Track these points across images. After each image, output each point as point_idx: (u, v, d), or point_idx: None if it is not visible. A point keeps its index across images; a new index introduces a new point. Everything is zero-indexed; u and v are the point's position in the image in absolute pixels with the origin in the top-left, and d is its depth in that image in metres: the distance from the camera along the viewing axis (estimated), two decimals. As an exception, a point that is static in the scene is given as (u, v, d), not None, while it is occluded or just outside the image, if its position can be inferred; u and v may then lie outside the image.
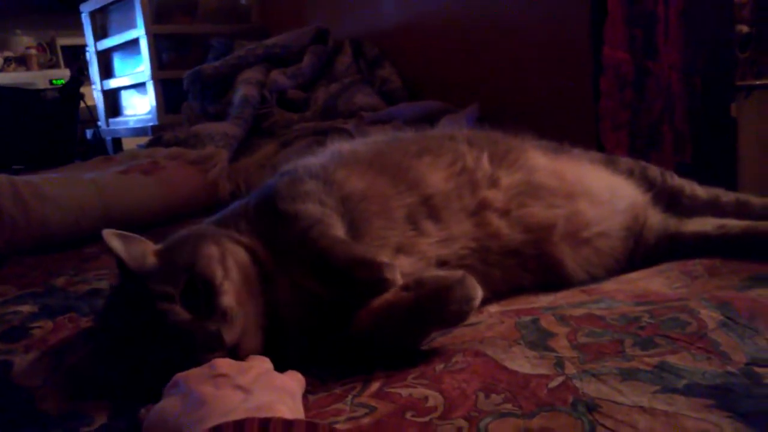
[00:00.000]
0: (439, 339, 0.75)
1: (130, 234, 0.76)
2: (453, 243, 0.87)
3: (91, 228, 1.49)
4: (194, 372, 0.60)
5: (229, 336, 0.67)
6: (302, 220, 0.77)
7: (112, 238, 0.74)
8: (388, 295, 0.71)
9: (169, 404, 0.57)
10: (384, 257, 0.73)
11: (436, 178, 0.90)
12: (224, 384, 0.56)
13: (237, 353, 0.68)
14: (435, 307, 0.68)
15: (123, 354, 0.69)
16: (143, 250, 0.74)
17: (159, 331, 0.67)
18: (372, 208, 0.84)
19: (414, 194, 0.87)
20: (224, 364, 0.60)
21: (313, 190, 0.82)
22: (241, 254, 0.76)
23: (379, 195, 0.86)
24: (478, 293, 0.69)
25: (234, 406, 0.53)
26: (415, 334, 0.72)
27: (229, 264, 0.73)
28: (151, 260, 0.73)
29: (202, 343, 0.66)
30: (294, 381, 0.63)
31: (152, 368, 0.66)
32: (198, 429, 0.50)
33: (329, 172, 0.87)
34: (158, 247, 0.77)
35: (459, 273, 0.70)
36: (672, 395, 0.58)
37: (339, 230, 0.78)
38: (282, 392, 0.58)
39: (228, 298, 0.69)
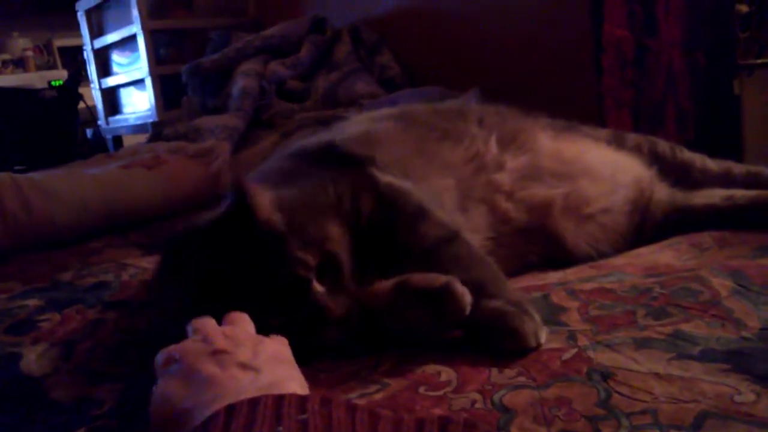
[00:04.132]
0: (449, 317, 0.75)
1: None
2: (476, 235, 0.87)
3: (95, 223, 1.49)
4: (189, 347, 0.57)
5: (353, 317, 0.67)
6: (412, 205, 0.76)
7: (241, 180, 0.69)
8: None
9: (171, 386, 0.54)
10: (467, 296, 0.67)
11: (457, 162, 0.92)
12: (229, 363, 0.54)
13: (350, 325, 0.67)
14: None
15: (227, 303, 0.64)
16: (269, 199, 0.70)
17: (290, 296, 0.65)
18: (429, 196, 0.84)
19: (450, 178, 0.89)
20: (217, 336, 0.57)
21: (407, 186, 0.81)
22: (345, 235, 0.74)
23: (430, 181, 0.87)
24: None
25: (245, 385, 0.51)
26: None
27: (344, 245, 0.71)
28: (279, 217, 0.69)
29: (333, 320, 0.66)
30: (286, 347, 0.61)
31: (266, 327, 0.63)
32: (209, 411, 0.49)
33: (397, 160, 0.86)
34: (272, 198, 0.71)
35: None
36: (688, 361, 0.57)
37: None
38: (288, 366, 0.57)
39: (349, 281, 0.69)
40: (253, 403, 0.45)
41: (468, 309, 0.64)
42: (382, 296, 0.68)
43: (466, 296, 0.64)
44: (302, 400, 0.46)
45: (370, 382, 0.61)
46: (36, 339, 0.86)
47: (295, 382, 0.54)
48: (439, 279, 0.65)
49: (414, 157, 0.90)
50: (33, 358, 0.79)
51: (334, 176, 0.80)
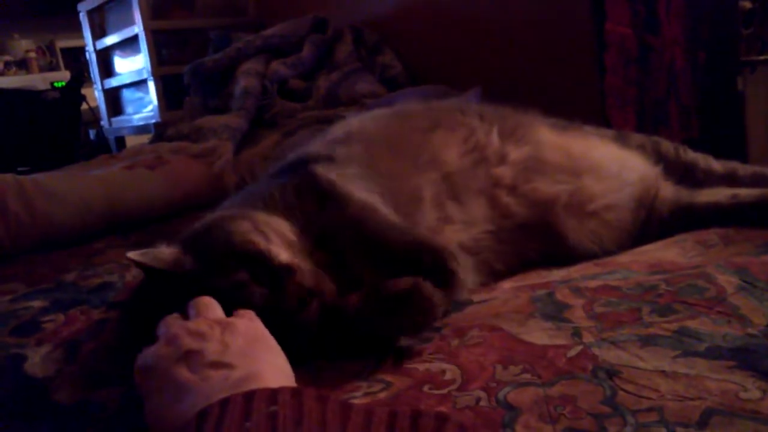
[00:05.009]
0: (453, 316, 0.75)
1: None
2: (472, 228, 0.87)
3: (98, 224, 1.49)
4: (158, 354, 0.55)
5: (309, 281, 0.66)
6: (355, 204, 0.75)
7: (138, 257, 0.71)
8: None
9: (155, 402, 0.53)
10: (449, 247, 0.70)
11: (451, 154, 0.90)
12: (199, 363, 0.52)
13: (325, 297, 0.66)
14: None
15: None
16: (170, 255, 0.71)
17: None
18: (404, 191, 0.84)
19: (434, 171, 0.87)
20: (182, 335, 0.55)
21: (356, 174, 0.81)
22: (282, 223, 0.74)
23: (406, 176, 0.85)
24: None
25: (218, 385, 0.50)
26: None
27: (266, 230, 0.71)
28: (187, 260, 0.70)
29: (297, 308, 0.65)
30: (256, 322, 0.59)
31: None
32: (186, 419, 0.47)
33: (362, 156, 0.86)
34: (177, 248, 0.73)
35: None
36: (693, 359, 0.57)
37: (392, 215, 0.76)
38: (261, 347, 0.55)
39: (282, 255, 0.68)
40: (224, 403, 0.45)
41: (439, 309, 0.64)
42: (352, 305, 0.68)
43: (436, 295, 0.64)
44: (273, 393, 0.45)
45: (374, 381, 0.61)
46: (40, 340, 0.86)
47: (270, 369, 0.53)
48: (405, 281, 0.64)
49: (389, 150, 0.88)
50: (37, 360, 0.79)
51: (284, 182, 0.81)
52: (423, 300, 0.63)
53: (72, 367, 0.76)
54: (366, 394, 0.59)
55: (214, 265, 0.68)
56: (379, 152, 0.88)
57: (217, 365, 0.52)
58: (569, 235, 0.92)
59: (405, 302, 0.64)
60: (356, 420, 0.45)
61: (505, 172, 0.92)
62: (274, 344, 0.57)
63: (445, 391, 0.57)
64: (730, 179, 1.05)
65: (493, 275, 0.88)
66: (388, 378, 0.61)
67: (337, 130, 0.99)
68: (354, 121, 1.02)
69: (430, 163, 0.88)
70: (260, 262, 0.68)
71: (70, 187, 1.53)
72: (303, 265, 0.68)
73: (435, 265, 0.69)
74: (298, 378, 0.56)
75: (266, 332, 0.58)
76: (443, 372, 0.61)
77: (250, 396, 0.45)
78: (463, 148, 0.92)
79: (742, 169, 1.06)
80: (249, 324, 0.58)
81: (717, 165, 1.07)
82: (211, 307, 0.61)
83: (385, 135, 0.92)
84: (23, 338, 0.87)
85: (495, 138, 0.94)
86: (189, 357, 0.53)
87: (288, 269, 0.67)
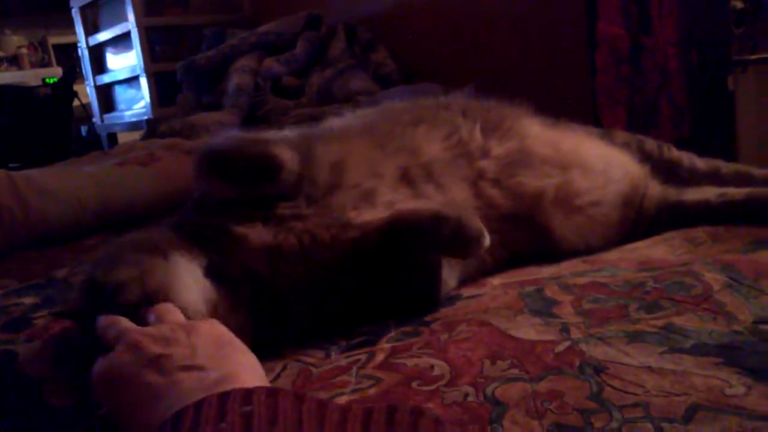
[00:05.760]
0: (442, 311, 0.75)
1: None
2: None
3: (90, 220, 1.48)
4: (120, 362, 0.53)
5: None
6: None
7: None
8: None
9: (124, 409, 0.51)
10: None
11: (433, 148, 0.90)
12: (170, 367, 0.51)
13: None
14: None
15: None
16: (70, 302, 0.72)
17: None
18: (354, 165, 0.82)
19: (408, 158, 0.86)
20: (145, 341, 0.54)
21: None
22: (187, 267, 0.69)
23: (364, 156, 0.84)
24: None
25: (192, 388, 0.48)
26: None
27: (152, 278, 0.65)
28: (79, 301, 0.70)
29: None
30: (220, 326, 0.58)
31: None
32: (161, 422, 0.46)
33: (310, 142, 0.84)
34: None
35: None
36: (680, 355, 0.58)
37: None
38: (230, 349, 0.54)
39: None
40: (198, 405, 0.44)
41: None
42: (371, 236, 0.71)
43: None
44: (248, 393, 0.45)
45: (363, 378, 0.61)
46: (30, 336, 0.86)
47: (243, 369, 0.52)
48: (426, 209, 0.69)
49: (367, 146, 0.87)
50: (29, 357, 0.79)
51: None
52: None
53: (65, 368, 0.76)
54: (355, 391, 0.59)
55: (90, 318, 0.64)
56: (355, 148, 0.86)
57: (189, 368, 0.51)
58: (555, 229, 0.91)
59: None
60: (332, 417, 0.45)
61: (488, 166, 0.91)
62: (241, 344, 0.56)
63: (433, 387, 0.57)
64: (714, 177, 1.06)
65: (482, 266, 0.87)
66: (378, 374, 0.62)
67: (318, 127, 0.98)
68: (338, 120, 1.02)
69: (404, 151, 0.87)
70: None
71: (63, 184, 1.53)
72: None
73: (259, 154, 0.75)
74: (283, 374, 0.56)
75: (231, 333, 0.57)
76: (432, 367, 0.61)
77: (224, 396, 0.44)
78: (445, 144, 0.91)
79: (725, 167, 1.07)
80: (212, 326, 0.57)
81: (701, 163, 1.08)
82: (171, 312, 0.60)
83: (365, 131, 0.91)
84: (14, 334, 0.87)
85: (477, 134, 0.93)
86: (157, 362, 0.51)
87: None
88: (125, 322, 0.58)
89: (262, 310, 0.70)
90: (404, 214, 0.76)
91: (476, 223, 0.72)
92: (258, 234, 0.73)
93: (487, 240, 0.71)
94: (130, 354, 0.53)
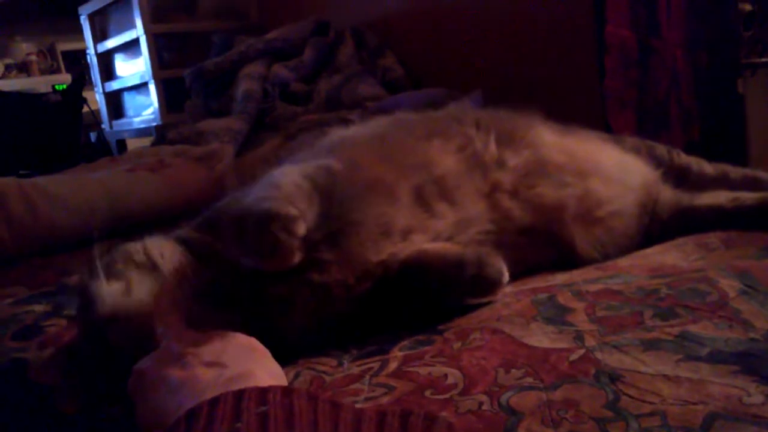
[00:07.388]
0: (455, 319, 0.75)
1: None
2: (469, 227, 0.84)
3: (100, 227, 1.49)
4: (152, 357, 0.56)
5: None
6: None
7: None
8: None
9: (146, 402, 0.53)
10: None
11: (447, 161, 0.88)
12: (192, 363, 0.52)
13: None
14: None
15: None
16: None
17: None
18: (372, 195, 0.80)
19: (422, 174, 0.85)
20: (183, 337, 0.56)
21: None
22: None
23: (378, 180, 0.82)
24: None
25: (209, 383, 0.50)
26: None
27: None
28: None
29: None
30: (255, 341, 0.59)
31: None
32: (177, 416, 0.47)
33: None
34: None
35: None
36: (696, 363, 0.57)
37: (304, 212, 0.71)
38: (259, 355, 0.56)
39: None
40: (213, 402, 0.44)
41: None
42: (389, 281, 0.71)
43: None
44: (263, 392, 0.45)
45: (376, 386, 0.61)
46: (42, 344, 0.86)
47: (264, 371, 0.53)
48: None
49: (379, 160, 0.86)
50: (40, 365, 0.79)
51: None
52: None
53: (75, 375, 0.76)
54: (367, 399, 0.59)
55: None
56: (367, 162, 0.85)
57: (211, 364, 0.52)
58: (577, 242, 0.89)
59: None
60: (347, 419, 0.45)
61: (504, 177, 0.89)
62: (268, 354, 0.57)
63: (447, 395, 0.57)
64: (722, 182, 1.05)
65: None
66: (391, 382, 0.61)
67: (329, 138, 0.98)
68: (349, 131, 1.01)
69: (418, 167, 0.85)
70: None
71: (73, 190, 1.53)
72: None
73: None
74: (296, 382, 0.56)
75: (265, 349, 0.58)
76: (445, 376, 0.61)
77: (240, 395, 0.44)
78: (459, 156, 0.89)
79: (734, 171, 1.07)
80: (247, 337, 0.59)
81: (709, 168, 1.07)
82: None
83: (376, 144, 0.91)
84: (25, 342, 0.88)
85: (492, 146, 0.92)
86: (184, 358, 0.53)
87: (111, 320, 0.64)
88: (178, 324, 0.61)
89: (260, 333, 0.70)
90: (428, 258, 0.76)
91: (497, 262, 0.74)
92: (272, 281, 0.71)
93: (506, 278, 0.74)
94: (164, 350, 0.56)
